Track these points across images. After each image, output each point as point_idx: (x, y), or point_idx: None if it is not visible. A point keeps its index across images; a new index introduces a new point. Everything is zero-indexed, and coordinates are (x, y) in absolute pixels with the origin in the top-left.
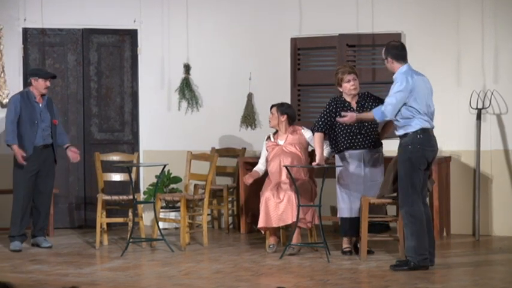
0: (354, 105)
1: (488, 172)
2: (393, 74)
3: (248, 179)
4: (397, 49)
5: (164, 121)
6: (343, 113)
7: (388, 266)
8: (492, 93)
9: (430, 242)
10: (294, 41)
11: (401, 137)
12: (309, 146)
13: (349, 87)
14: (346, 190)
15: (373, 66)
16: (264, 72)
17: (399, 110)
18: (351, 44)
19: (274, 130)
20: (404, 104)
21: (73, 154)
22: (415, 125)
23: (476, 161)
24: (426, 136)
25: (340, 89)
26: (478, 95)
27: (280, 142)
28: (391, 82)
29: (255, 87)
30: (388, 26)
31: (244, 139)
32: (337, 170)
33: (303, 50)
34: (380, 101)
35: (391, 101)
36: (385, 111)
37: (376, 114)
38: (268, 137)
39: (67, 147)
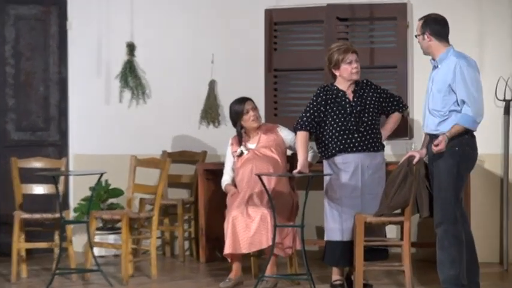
0: (349, 95)
1: None
2: (427, 53)
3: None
4: (439, 24)
5: (101, 117)
6: (435, 142)
7: None
8: None
9: (474, 270)
10: (269, 13)
11: (437, 136)
12: (288, 150)
13: (350, 71)
14: (337, 206)
15: (371, 46)
16: (231, 53)
17: (444, 97)
18: (342, 17)
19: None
20: (454, 92)
21: None
22: None
23: (503, 167)
24: (472, 137)
25: (337, 73)
26: (506, 83)
27: (251, 145)
28: (394, 66)
29: (219, 72)
30: None
31: (204, 140)
32: (326, 179)
33: (280, 25)
34: (383, 93)
35: (474, 94)
36: (474, 114)
37: (466, 124)
38: (233, 142)
39: None
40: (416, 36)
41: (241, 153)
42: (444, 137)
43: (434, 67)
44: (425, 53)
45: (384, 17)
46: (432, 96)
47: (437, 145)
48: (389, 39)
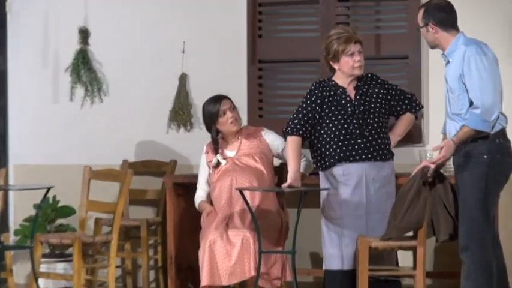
0: (350, 92)
1: None
2: (434, 47)
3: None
4: (444, 11)
5: (48, 119)
6: (434, 147)
7: None
8: None
9: None
10: None
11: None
12: (276, 158)
13: (352, 64)
14: (336, 227)
15: (377, 32)
16: (206, 41)
17: (459, 96)
18: None
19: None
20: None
21: None
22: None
23: None
24: (506, 141)
25: (335, 66)
26: None
27: (230, 153)
28: (405, 57)
29: (191, 64)
30: None
31: (174, 147)
32: (323, 195)
33: (266, 7)
34: (392, 89)
35: (481, 87)
36: (482, 110)
37: (476, 125)
38: (208, 150)
39: None
40: (418, 29)
41: (218, 164)
42: (450, 142)
43: (447, 62)
44: (433, 46)
45: None
46: (448, 97)
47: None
48: (400, 23)
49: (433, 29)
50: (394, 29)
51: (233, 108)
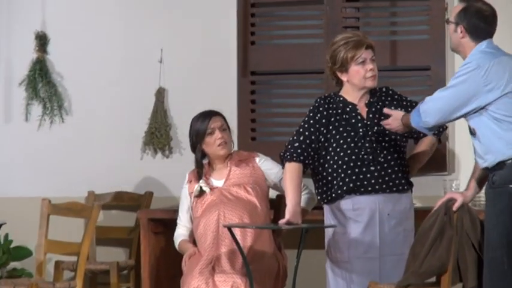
0: (362, 109)
1: None
2: (456, 51)
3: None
4: (484, 20)
5: None
6: (385, 110)
7: None
8: None
9: None
10: None
11: (490, 169)
12: (272, 189)
13: (364, 74)
14: (343, 272)
15: (393, 38)
16: (188, 49)
17: (478, 116)
18: None
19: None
20: (487, 107)
21: None
22: None
23: None
24: None
25: (344, 78)
26: None
27: (217, 183)
28: (426, 68)
29: (171, 77)
30: None
31: (150, 175)
32: (328, 233)
33: (260, 8)
34: (411, 106)
35: (440, 94)
36: (424, 110)
37: (412, 117)
38: (191, 179)
39: None
40: (447, 21)
41: (201, 192)
42: (399, 114)
43: None
44: (455, 50)
45: None
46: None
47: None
48: (420, 27)
49: (462, 33)
50: (414, 35)
51: (224, 128)
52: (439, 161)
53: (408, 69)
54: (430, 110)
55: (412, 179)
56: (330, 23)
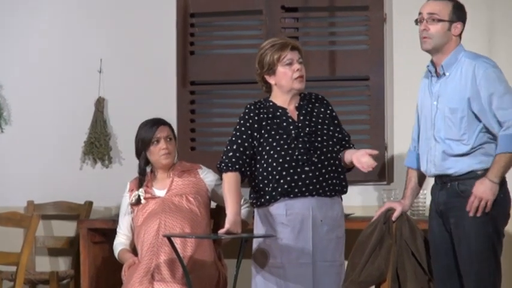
0: (292, 112)
1: None
2: (428, 50)
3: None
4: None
5: None
6: (470, 203)
7: None
8: None
9: None
10: (183, 2)
11: (468, 175)
12: (213, 201)
13: (291, 75)
14: (277, 278)
15: (332, 48)
16: (127, 59)
17: (462, 119)
18: (289, 5)
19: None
20: (473, 110)
21: None
22: None
23: None
24: None
25: (272, 81)
26: None
27: (159, 192)
28: (365, 78)
29: (110, 87)
30: None
31: (89, 185)
32: (258, 240)
33: (199, 18)
34: (337, 119)
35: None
36: None
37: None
38: (132, 188)
39: None
40: (438, 21)
41: (138, 200)
42: (487, 182)
43: (436, 75)
44: (437, 49)
45: (350, 6)
46: (443, 118)
47: (477, 207)
48: (359, 38)
49: (456, 30)
50: (353, 45)
51: (170, 138)
52: (377, 170)
53: (347, 79)
54: None
55: (351, 189)
56: (269, 33)
